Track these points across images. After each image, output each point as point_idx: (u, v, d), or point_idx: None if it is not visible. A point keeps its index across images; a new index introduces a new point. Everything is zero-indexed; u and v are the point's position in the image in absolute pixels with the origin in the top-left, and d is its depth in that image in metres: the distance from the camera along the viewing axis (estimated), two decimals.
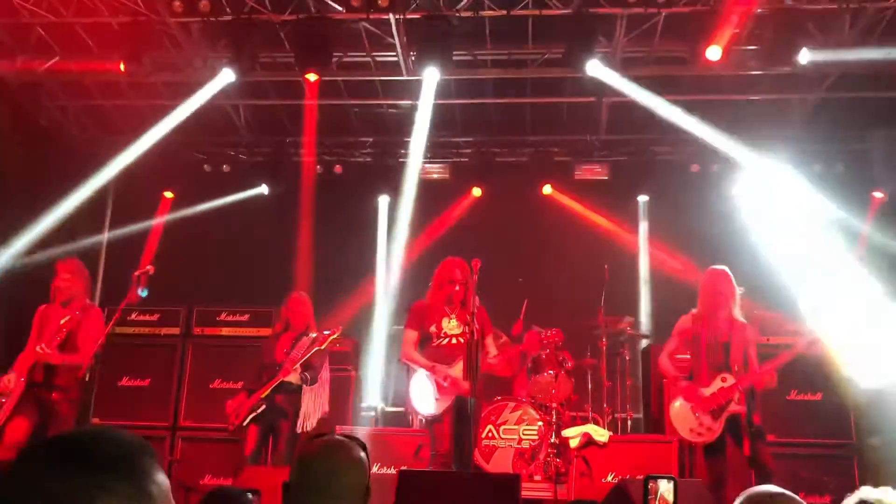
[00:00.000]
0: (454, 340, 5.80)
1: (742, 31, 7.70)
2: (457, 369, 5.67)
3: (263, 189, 10.13)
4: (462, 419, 5.59)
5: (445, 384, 5.65)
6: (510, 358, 6.69)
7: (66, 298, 5.96)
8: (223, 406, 6.13)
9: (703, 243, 8.83)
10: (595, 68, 7.84)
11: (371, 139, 10.08)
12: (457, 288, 5.76)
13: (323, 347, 6.04)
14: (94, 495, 1.08)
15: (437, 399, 5.68)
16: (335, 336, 6.04)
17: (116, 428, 1.22)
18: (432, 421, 5.74)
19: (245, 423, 5.86)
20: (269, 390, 5.90)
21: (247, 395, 6.04)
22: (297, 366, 5.95)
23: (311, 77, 7.96)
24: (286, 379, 5.98)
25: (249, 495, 2.70)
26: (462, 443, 5.56)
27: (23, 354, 5.84)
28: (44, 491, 1.08)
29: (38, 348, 5.69)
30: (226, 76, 8.05)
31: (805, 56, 7.39)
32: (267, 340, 6.48)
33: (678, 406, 5.53)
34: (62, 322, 5.73)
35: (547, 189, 9.87)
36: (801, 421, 7.01)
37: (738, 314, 5.65)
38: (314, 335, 6.14)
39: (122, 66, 7.59)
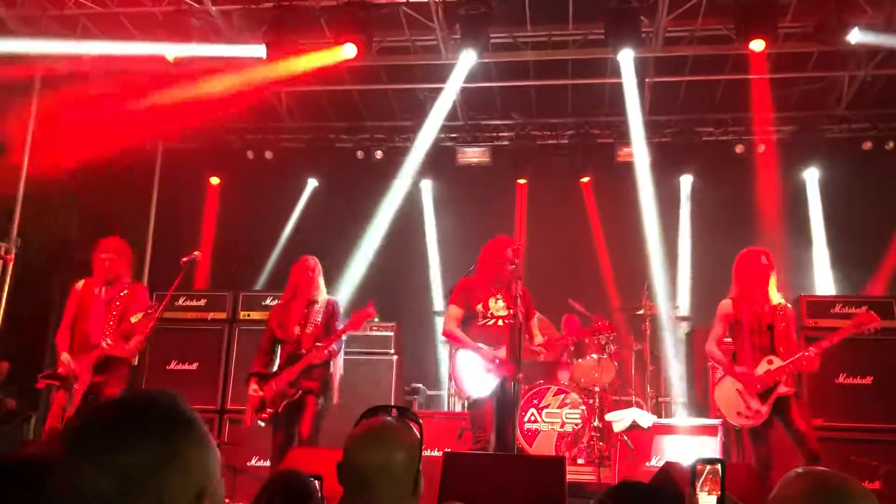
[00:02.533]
0: (500, 322, 5.55)
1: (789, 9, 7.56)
2: (502, 352, 5.47)
3: (314, 182, 10.26)
4: (505, 405, 5.45)
5: (492, 366, 5.47)
6: (551, 341, 6.55)
7: (112, 277, 5.80)
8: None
9: (746, 224, 8.72)
10: (626, 57, 7.80)
11: (411, 123, 10.09)
12: (510, 266, 5.47)
13: (358, 332, 5.88)
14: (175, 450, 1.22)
15: (480, 381, 5.50)
16: (370, 321, 5.77)
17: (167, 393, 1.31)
18: (474, 404, 5.58)
19: (280, 411, 5.61)
20: (296, 375, 5.63)
21: (259, 379, 5.74)
22: (330, 350, 5.65)
23: (351, 51, 7.71)
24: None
25: (315, 482, 2.66)
26: (504, 429, 5.44)
27: (62, 332, 5.76)
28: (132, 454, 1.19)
29: (103, 343, 5.60)
30: (258, 50, 8.05)
31: (855, 36, 7.20)
32: (277, 309, 6.08)
33: (724, 390, 5.46)
34: (113, 312, 5.69)
35: (585, 180, 9.82)
36: (850, 405, 6.88)
37: (776, 295, 5.56)
38: (319, 304, 5.84)
39: (171, 59, 7.68)
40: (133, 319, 5.68)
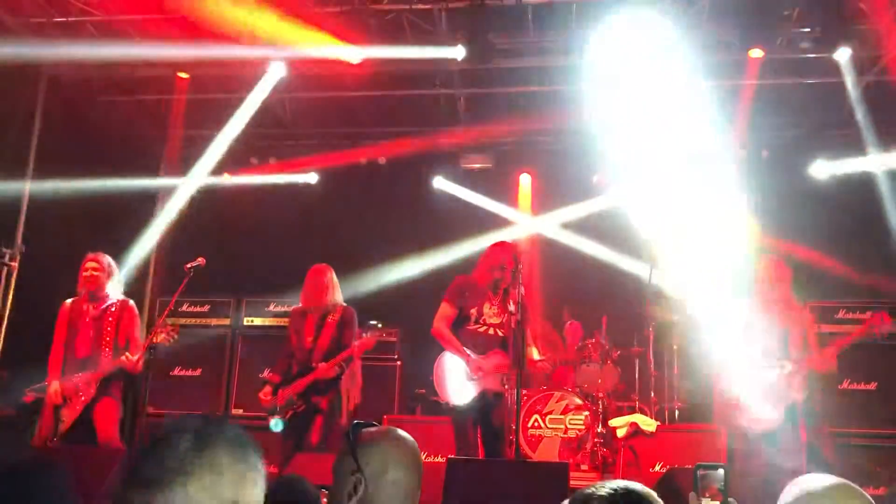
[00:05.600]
0: (492, 331, 5.47)
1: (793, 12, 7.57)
2: (488, 363, 5.38)
3: (312, 177, 10.24)
4: (487, 418, 5.37)
5: (476, 377, 5.36)
6: (551, 356, 6.50)
7: (94, 290, 5.84)
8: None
9: (750, 228, 8.70)
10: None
11: (415, 128, 10.10)
12: (504, 275, 5.41)
13: (361, 355, 5.85)
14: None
15: (461, 390, 5.40)
16: (370, 347, 5.76)
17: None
18: (455, 411, 5.45)
19: (287, 419, 5.68)
20: (304, 388, 5.68)
21: (272, 389, 5.77)
22: (339, 365, 5.71)
23: (355, 55, 7.76)
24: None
25: (318, 489, 2.64)
26: (489, 443, 5.35)
27: (54, 354, 5.76)
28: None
29: (123, 357, 5.60)
30: (277, 71, 8.06)
31: (843, 55, 7.26)
32: (293, 317, 6.12)
33: (734, 395, 5.44)
34: (108, 328, 5.74)
35: (595, 179, 9.81)
36: (854, 411, 6.88)
37: (794, 298, 5.55)
38: (334, 314, 5.88)
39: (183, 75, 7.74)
40: (156, 340, 5.64)
